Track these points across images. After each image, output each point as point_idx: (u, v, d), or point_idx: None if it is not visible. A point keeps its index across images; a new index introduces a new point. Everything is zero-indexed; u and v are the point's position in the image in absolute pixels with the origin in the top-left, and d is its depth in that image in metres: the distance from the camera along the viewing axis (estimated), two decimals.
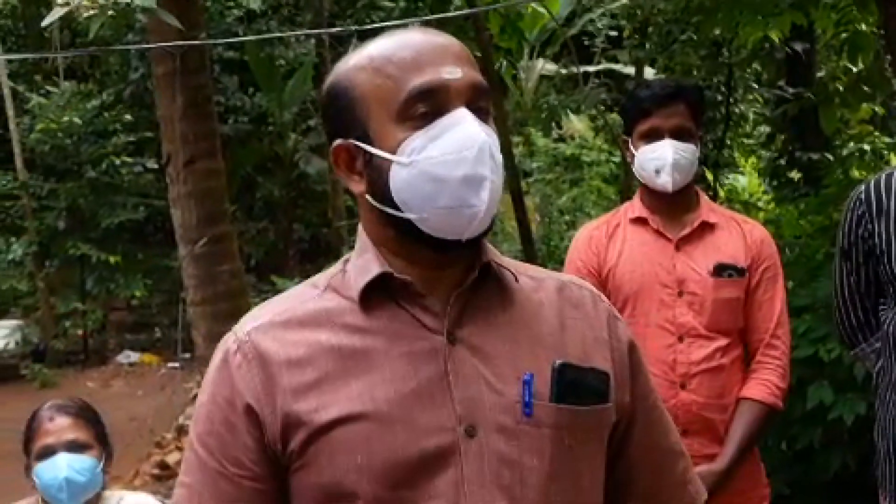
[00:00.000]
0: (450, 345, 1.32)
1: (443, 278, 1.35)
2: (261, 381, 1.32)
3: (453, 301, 1.34)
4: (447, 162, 1.28)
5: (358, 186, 1.36)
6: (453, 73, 1.31)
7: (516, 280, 1.40)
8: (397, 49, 1.34)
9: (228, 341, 1.37)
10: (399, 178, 1.30)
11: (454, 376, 1.31)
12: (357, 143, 1.34)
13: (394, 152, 1.31)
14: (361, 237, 1.40)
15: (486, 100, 1.34)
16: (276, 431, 1.31)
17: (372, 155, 1.33)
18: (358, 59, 1.36)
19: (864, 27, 6.40)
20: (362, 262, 1.37)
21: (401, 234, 1.34)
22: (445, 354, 1.32)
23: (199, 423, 1.37)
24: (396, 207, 1.32)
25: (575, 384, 1.36)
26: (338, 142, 1.37)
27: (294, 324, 1.35)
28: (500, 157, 1.32)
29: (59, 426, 2.69)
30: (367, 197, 1.35)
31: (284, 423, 1.30)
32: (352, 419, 1.29)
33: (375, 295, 1.35)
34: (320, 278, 1.42)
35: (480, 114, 1.32)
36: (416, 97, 1.30)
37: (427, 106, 1.30)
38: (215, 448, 1.34)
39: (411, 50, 1.33)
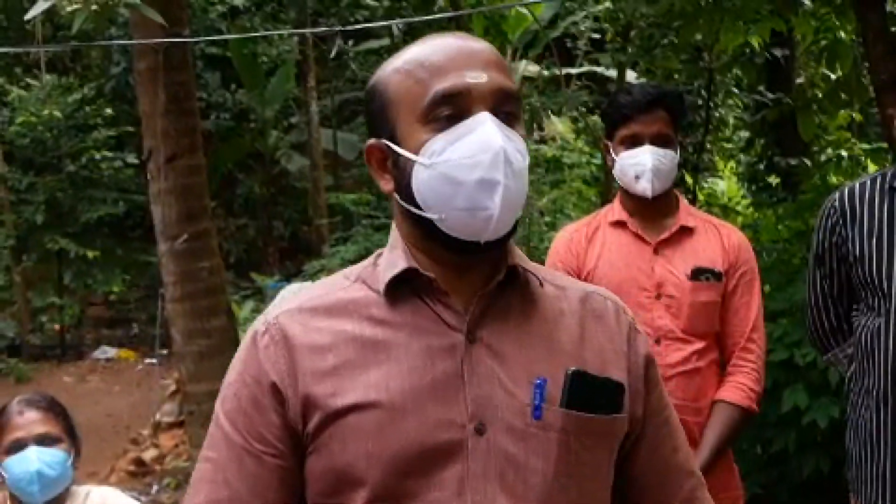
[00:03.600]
0: (468, 343, 1.36)
1: (467, 278, 1.39)
2: (285, 362, 1.37)
3: (476, 301, 1.37)
4: (463, 165, 1.32)
5: (387, 185, 1.41)
6: (478, 77, 1.34)
7: (541, 285, 1.43)
8: (430, 53, 1.38)
9: (257, 324, 1.43)
10: (420, 179, 1.35)
11: (469, 374, 1.34)
12: (387, 142, 1.39)
13: (417, 153, 1.35)
14: (393, 234, 1.45)
15: (512, 104, 1.37)
16: (297, 411, 1.36)
17: (399, 155, 1.37)
18: (395, 63, 1.41)
19: (842, 35, 6.47)
20: (391, 257, 1.42)
21: (425, 233, 1.38)
22: (463, 352, 1.35)
23: (227, 401, 1.41)
24: (419, 207, 1.36)
25: (587, 392, 1.37)
26: (371, 141, 1.42)
27: (320, 311, 1.40)
28: (519, 162, 1.34)
29: (29, 420, 2.68)
30: (395, 196, 1.40)
31: (304, 405, 1.35)
32: (366, 407, 1.33)
33: (401, 290, 1.39)
34: (352, 270, 1.47)
35: (506, 118, 1.35)
36: (439, 100, 1.34)
37: (450, 109, 1.34)
38: (241, 425, 1.38)
39: (442, 54, 1.37)
